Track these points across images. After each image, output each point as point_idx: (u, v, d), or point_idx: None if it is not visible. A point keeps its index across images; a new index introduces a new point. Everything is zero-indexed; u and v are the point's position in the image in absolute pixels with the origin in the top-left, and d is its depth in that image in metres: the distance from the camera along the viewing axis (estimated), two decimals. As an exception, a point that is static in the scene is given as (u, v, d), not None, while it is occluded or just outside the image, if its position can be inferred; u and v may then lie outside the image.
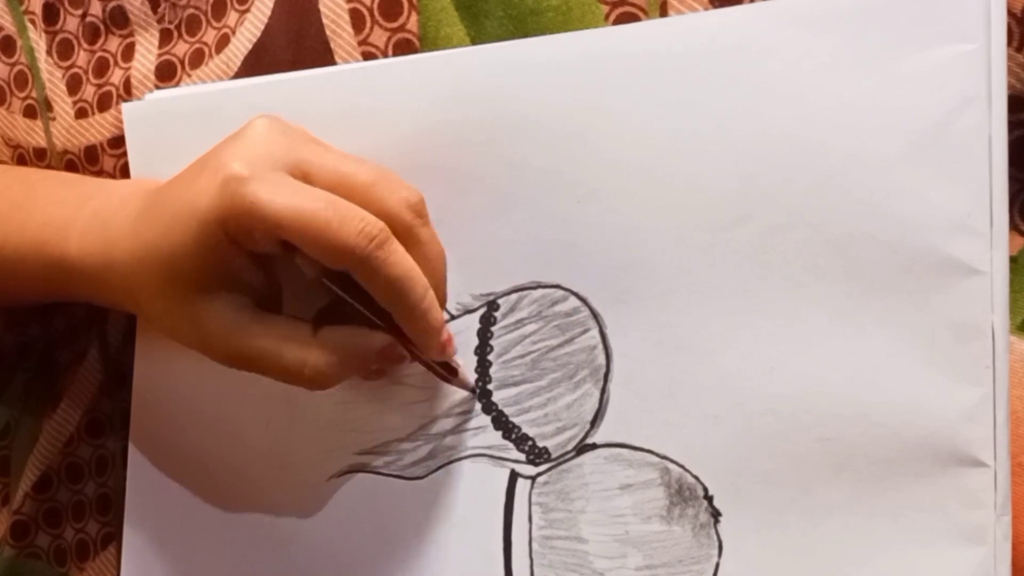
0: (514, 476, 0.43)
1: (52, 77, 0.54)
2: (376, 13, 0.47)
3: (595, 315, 0.42)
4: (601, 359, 0.41)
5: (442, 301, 0.43)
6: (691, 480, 0.40)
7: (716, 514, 0.40)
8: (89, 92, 0.53)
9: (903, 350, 0.37)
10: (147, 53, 0.52)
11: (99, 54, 0.53)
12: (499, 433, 0.43)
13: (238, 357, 0.41)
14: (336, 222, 0.38)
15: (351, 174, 0.40)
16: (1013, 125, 0.37)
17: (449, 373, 0.43)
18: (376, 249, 0.38)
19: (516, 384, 0.43)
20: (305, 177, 0.40)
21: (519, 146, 0.42)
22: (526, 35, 0.44)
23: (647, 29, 0.41)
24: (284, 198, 0.38)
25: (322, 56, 0.48)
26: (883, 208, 0.37)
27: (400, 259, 0.39)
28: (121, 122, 0.50)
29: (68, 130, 0.53)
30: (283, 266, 0.42)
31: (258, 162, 0.39)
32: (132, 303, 0.43)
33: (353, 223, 0.38)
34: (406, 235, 0.40)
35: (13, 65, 0.55)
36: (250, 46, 0.49)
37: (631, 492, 0.41)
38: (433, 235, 0.42)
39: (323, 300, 0.42)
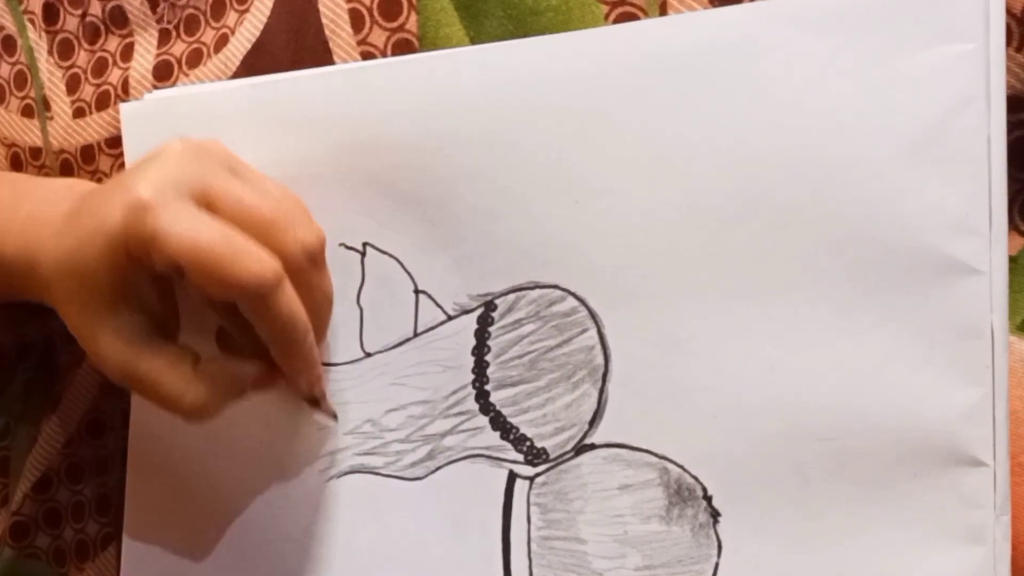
0: (512, 477, 0.43)
1: (52, 77, 0.54)
2: (375, 13, 0.47)
3: (593, 315, 0.42)
4: (599, 359, 0.41)
5: (320, 340, 0.44)
6: (690, 480, 0.40)
7: (715, 514, 0.40)
8: (88, 92, 0.53)
9: (903, 350, 0.37)
10: (146, 53, 0.52)
11: (99, 54, 0.53)
12: (497, 434, 0.43)
13: (127, 377, 0.41)
14: (229, 258, 0.38)
15: (253, 208, 0.40)
16: (1012, 125, 0.37)
17: (314, 404, 0.45)
18: (265, 292, 0.39)
19: (514, 384, 0.43)
20: (209, 207, 0.40)
21: (518, 146, 0.42)
22: (526, 35, 0.44)
23: (647, 29, 0.41)
24: (182, 229, 0.38)
25: (321, 56, 0.48)
26: (883, 208, 0.37)
27: (287, 303, 0.40)
28: (118, 122, 0.50)
29: (65, 129, 0.53)
30: (182, 287, 0.43)
31: (165, 188, 0.39)
32: (53, 304, 0.44)
33: (246, 262, 0.38)
34: (296, 277, 0.41)
35: (13, 65, 0.55)
36: (249, 46, 0.49)
37: (630, 492, 0.41)
38: (323, 280, 0.43)
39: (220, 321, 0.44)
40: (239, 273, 0.38)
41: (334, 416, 0.46)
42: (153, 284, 0.41)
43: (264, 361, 0.43)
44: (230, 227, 0.39)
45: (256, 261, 0.38)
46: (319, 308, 0.43)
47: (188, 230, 0.38)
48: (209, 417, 0.42)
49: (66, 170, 0.53)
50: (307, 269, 0.41)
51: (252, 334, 0.41)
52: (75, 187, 0.47)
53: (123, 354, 0.40)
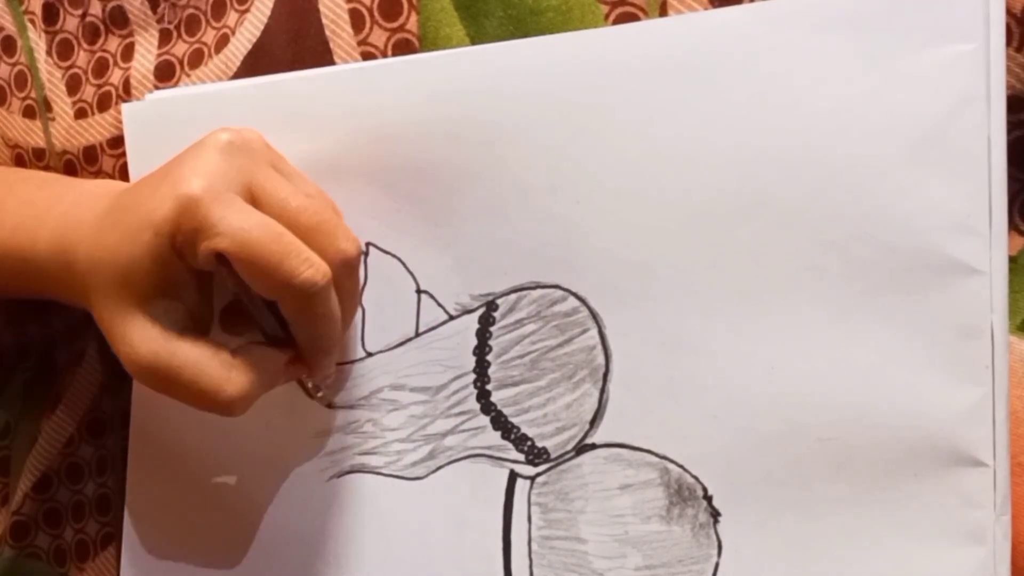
0: (513, 476, 0.43)
1: (52, 77, 0.54)
2: (376, 13, 0.47)
3: (594, 315, 0.42)
4: (600, 359, 0.41)
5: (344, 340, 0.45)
6: (690, 480, 0.40)
7: (715, 514, 0.40)
8: (89, 92, 0.53)
9: (903, 350, 0.37)
10: (146, 53, 0.52)
11: (99, 54, 0.53)
12: (498, 433, 0.43)
13: (160, 370, 0.41)
14: (280, 256, 0.39)
15: (297, 212, 0.40)
16: (1012, 125, 0.37)
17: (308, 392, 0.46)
18: (314, 293, 0.39)
19: (515, 384, 0.43)
20: (254, 202, 0.40)
21: (519, 146, 0.42)
22: (526, 35, 0.44)
23: (647, 29, 0.41)
24: (234, 223, 0.38)
25: (321, 56, 0.48)
26: (883, 208, 0.37)
27: (331, 306, 0.41)
28: (120, 122, 0.50)
29: (68, 130, 0.53)
30: (220, 282, 0.43)
31: (214, 180, 0.39)
32: (88, 304, 0.43)
33: (296, 262, 0.39)
34: (334, 283, 0.41)
35: (13, 65, 0.55)
36: (250, 46, 0.49)
37: (630, 492, 0.41)
38: (356, 286, 0.44)
39: (223, 300, 0.44)
40: (291, 273, 0.39)
41: (329, 405, 0.46)
42: (192, 280, 0.41)
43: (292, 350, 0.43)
44: (279, 225, 0.39)
45: (307, 263, 0.39)
46: (348, 311, 0.43)
47: (241, 224, 0.38)
48: (244, 409, 0.41)
49: (69, 171, 0.53)
50: (342, 277, 0.42)
51: (284, 327, 0.42)
52: (110, 187, 0.47)
53: (159, 345, 0.40)
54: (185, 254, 0.40)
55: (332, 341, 0.42)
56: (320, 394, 0.46)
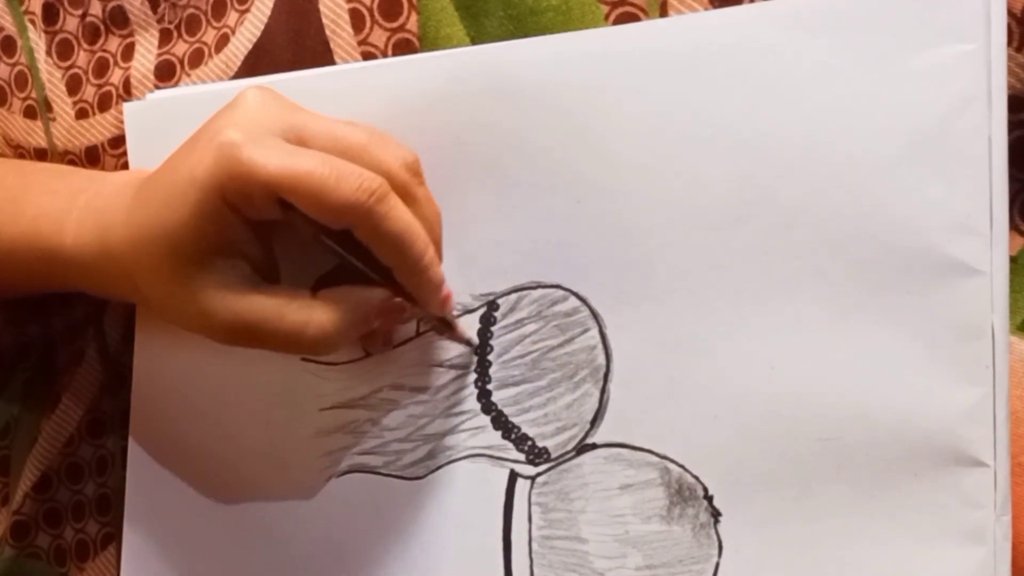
0: (514, 476, 0.43)
1: (52, 77, 0.54)
2: (376, 13, 0.47)
3: (595, 315, 0.42)
4: (601, 359, 0.42)
5: (439, 258, 0.42)
6: (691, 480, 0.40)
7: (716, 514, 0.40)
8: (89, 92, 0.53)
9: (903, 350, 0.37)
10: (147, 53, 0.52)
11: (99, 54, 0.53)
12: (499, 433, 0.43)
13: (239, 327, 0.40)
14: (333, 179, 0.38)
15: (346, 135, 0.40)
16: (1013, 125, 0.37)
17: (447, 328, 0.43)
18: (377, 203, 0.38)
19: (516, 384, 0.43)
20: (299, 141, 0.40)
21: (519, 146, 0.42)
22: (526, 35, 0.44)
23: (647, 29, 0.41)
24: (280, 159, 0.38)
25: (322, 56, 0.48)
26: (883, 208, 0.37)
27: (401, 214, 0.39)
28: (121, 122, 0.50)
29: (69, 130, 0.53)
30: (280, 237, 0.42)
31: (252, 128, 0.39)
32: (130, 289, 0.43)
33: (352, 179, 0.38)
34: (403, 193, 0.40)
35: (13, 65, 0.55)
36: (250, 46, 0.49)
37: (631, 492, 0.41)
38: (428, 194, 0.42)
39: (321, 268, 0.42)
40: (346, 191, 0.38)
41: (468, 342, 0.44)
42: (250, 234, 0.40)
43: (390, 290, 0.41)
44: (325, 153, 0.39)
45: (360, 177, 0.38)
46: (431, 221, 0.42)
47: (285, 159, 0.38)
48: (337, 348, 0.41)
49: (71, 171, 0.53)
50: (411, 183, 0.41)
51: (372, 265, 0.40)
52: (134, 175, 0.46)
53: (233, 302, 0.40)
54: (239, 206, 0.39)
55: (421, 258, 0.40)
56: (453, 333, 0.43)
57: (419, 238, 0.40)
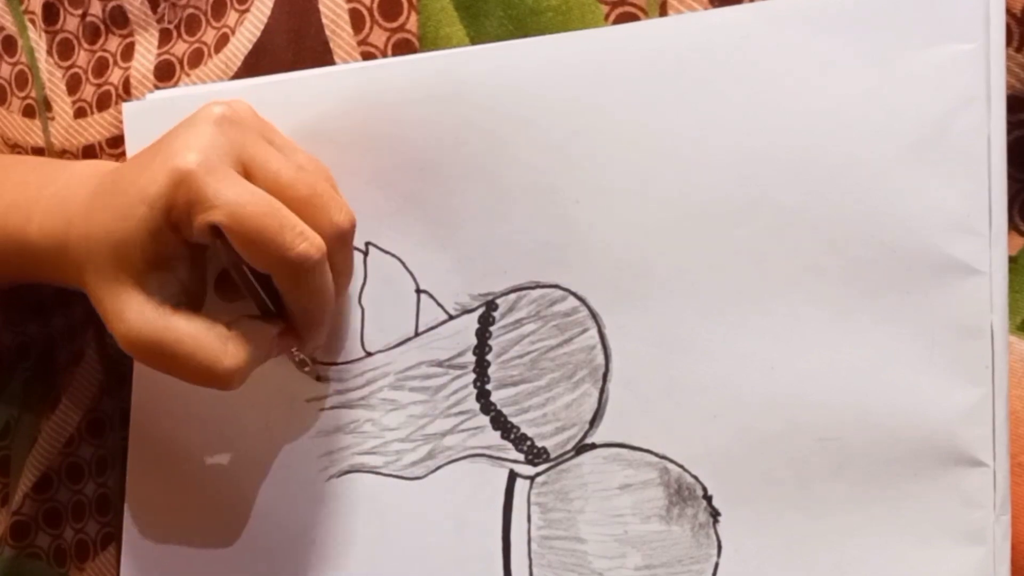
0: (513, 476, 0.43)
1: (52, 77, 0.54)
2: (376, 13, 0.47)
3: (594, 315, 0.42)
4: (600, 359, 0.41)
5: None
6: (690, 480, 0.40)
7: (715, 514, 0.40)
8: (88, 92, 0.53)
9: (903, 350, 0.37)
10: (146, 53, 0.52)
11: (99, 54, 0.53)
12: (498, 433, 0.43)
13: (156, 346, 0.40)
14: (275, 230, 0.39)
15: (290, 184, 0.40)
16: (1012, 125, 0.37)
17: (311, 364, 0.46)
18: (308, 267, 0.39)
19: (515, 384, 0.43)
20: (247, 175, 0.40)
21: (518, 146, 0.42)
22: (526, 35, 0.44)
23: (647, 29, 0.41)
24: (230, 196, 0.39)
25: (322, 56, 0.48)
26: (883, 208, 0.37)
27: (324, 279, 0.41)
28: (120, 122, 0.50)
29: (67, 130, 0.53)
30: (214, 256, 0.43)
31: (208, 152, 0.39)
32: (82, 283, 0.43)
33: (293, 238, 0.39)
34: (328, 259, 0.41)
35: (14, 65, 0.55)
36: (250, 46, 0.49)
37: (630, 492, 0.41)
38: (348, 258, 0.44)
39: (219, 267, 0.44)
40: (286, 246, 0.39)
41: (319, 379, 0.46)
42: (188, 250, 0.41)
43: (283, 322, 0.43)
44: (274, 198, 0.39)
45: (302, 237, 0.39)
46: (341, 284, 0.43)
47: (236, 198, 0.39)
48: (241, 382, 0.41)
49: (68, 170, 0.53)
50: (336, 250, 0.42)
51: (276, 299, 0.42)
52: (99, 167, 0.47)
53: (154, 320, 0.40)
54: (180, 227, 0.40)
55: (324, 314, 0.42)
56: (307, 368, 0.46)
57: (329, 302, 0.42)
